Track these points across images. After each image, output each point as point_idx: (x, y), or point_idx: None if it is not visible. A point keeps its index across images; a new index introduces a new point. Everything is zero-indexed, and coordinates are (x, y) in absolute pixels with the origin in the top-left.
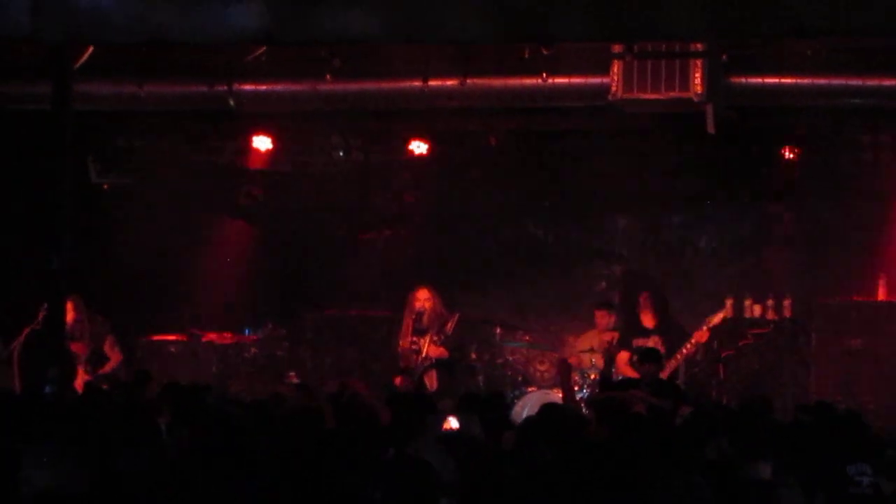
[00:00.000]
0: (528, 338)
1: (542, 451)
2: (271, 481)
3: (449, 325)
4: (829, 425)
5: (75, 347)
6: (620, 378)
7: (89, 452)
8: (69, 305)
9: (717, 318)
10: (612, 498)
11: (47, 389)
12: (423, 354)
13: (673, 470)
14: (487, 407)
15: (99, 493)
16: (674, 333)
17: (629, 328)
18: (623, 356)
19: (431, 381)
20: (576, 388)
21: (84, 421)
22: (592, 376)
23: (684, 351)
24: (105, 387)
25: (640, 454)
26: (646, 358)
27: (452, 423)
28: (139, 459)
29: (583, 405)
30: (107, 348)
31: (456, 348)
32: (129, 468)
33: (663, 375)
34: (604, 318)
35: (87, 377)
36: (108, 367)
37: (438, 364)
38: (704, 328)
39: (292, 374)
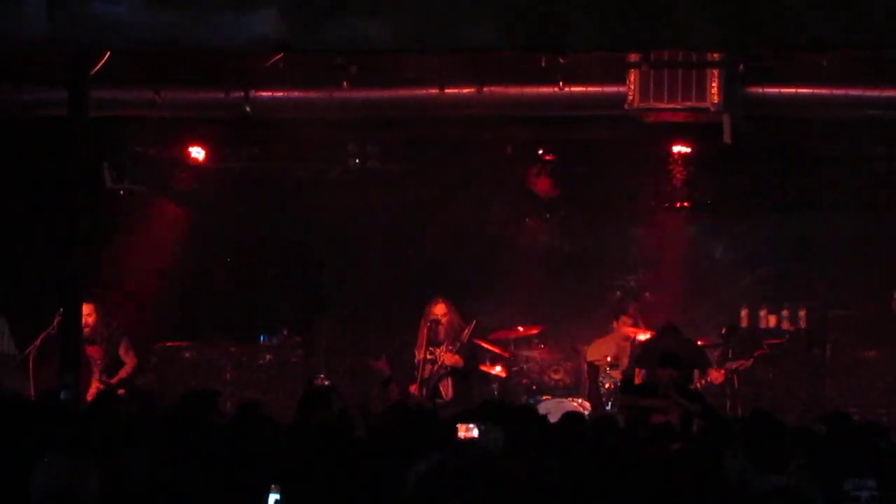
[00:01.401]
0: (542, 346)
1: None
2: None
3: (465, 333)
4: (838, 437)
5: (92, 351)
6: (642, 383)
7: (98, 458)
8: (87, 309)
9: (735, 364)
10: None
11: (62, 395)
12: (439, 363)
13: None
14: (516, 418)
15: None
16: (693, 365)
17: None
18: (640, 372)
19: (446, 390)
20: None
21: (94, 427)
22: (607, 385)
23: (697, 387)
24: (121, 392)
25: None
26: (666, 363)
27: (473, 431)
28: (151, 467)
29: (609, 405)
30: (122, 353)
31: (471, 357)
32: (141, 475)
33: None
34: (625, 325)
35: (101, 382)
36: (123, 372)
37: (453, 372)
38: (722, 371)
39: (321, 376)
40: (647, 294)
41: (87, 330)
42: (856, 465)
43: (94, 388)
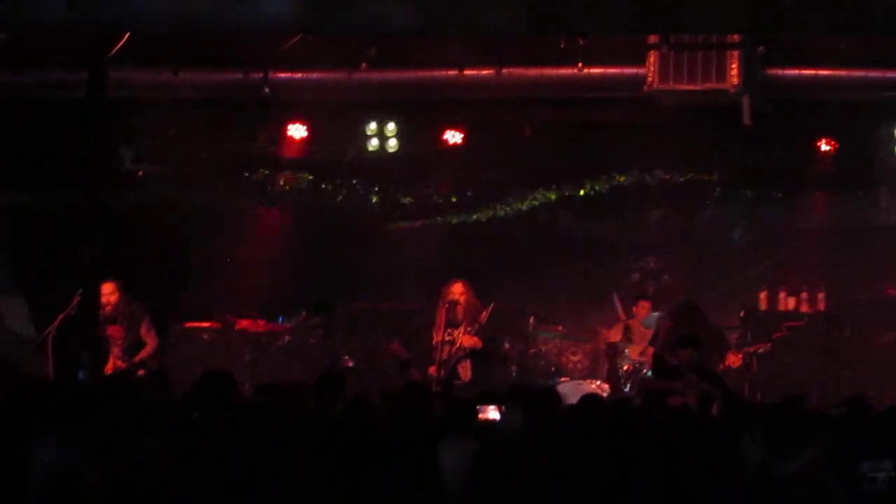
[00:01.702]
0: (560, 328)
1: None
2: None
3: (483, 315)
4: (856, 420)
5: (113, 331)
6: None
7: (109, 439)
8: (110, 288)
9: (753, 348)
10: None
11: (81, 375)
12: (457, 345)
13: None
14: (537, 401)
15: (120, 480)
16: (712, 346)
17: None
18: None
19: (465, 372)
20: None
21: (104, 408)
22: (625, 367)
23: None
24: (141, 373)
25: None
26: (685, 343)
27: (491, 413)
28: (167, 450)
29: (628, 387)
30: (143, 333)
31: (489, 338)
32: (158, 458)
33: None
34: (644, 310)
35: (121, 362)
36: (144, 353)
37: (472, 354)
38: (739, 355)
39: (346, 357)
40: (665, 277)
41: (108, 308)
42: (873, 447)
43: (114, 363)
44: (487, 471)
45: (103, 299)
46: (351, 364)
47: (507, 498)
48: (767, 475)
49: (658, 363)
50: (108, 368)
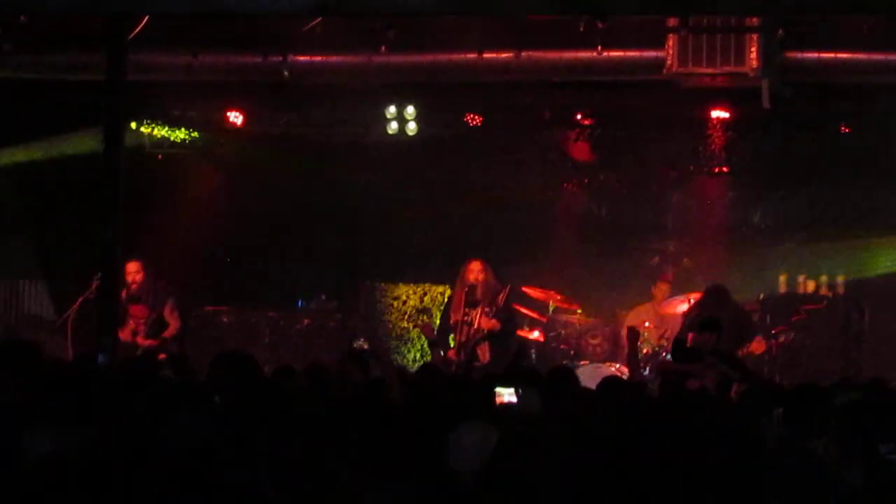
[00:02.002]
0: (579, 311)
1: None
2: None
3: (500, 297)
4: (874, 402)
5: (136, 311)
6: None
7: (129, 421)
8: (135, 267)
9: (776, 330)
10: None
11: (100, 359)
12: (476, 327)
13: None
14: (552, 381)
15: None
16: (736, 330)
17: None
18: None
19: (483, 354)
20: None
21: (124, 390)
22: (645, 351)
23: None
24: (162, 357)
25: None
26: (705, 327)
27: (507, 396)
28: (186, 431)
29: (647, 371)
30: (167, 313)
31: (507, 320)
32: (180, 441)
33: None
34: (662, 292)
35: (144, 340)
36: (167, 333)
37: (490, 336)
38: (762, 339)
39: (361, 340)
40: (685, 260)
41: (133, 287)
42: (892, 429)
43: (135, 343)
44: (508, 455)
45: (129, 278)
46: (366, 346)
47: (527, 483)
48: (787, 456)
49: (677, 348)
50: (127, 339)
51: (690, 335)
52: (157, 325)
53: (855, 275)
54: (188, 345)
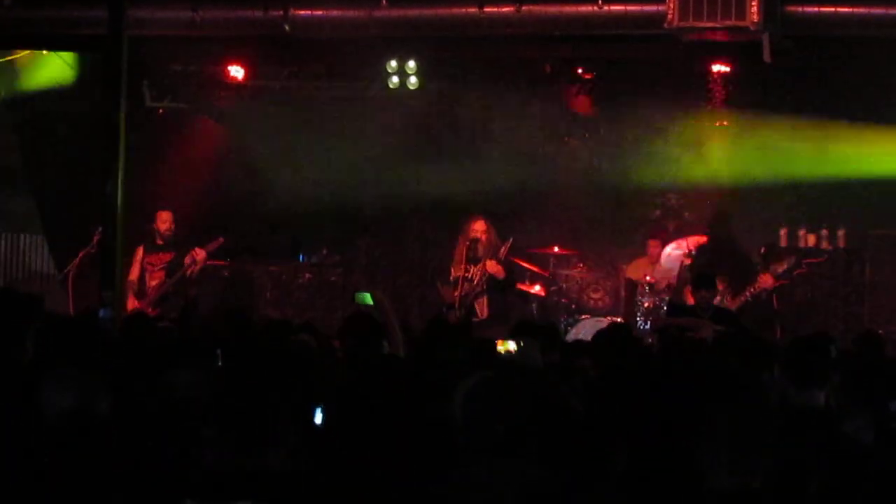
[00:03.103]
0: (581, 265)
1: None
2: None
3: (502, 251)
4: (881, 359)
5: (162, 258)
6: (687, 305)
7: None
8: (166, 216)
9: (782, 267)
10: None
11: (102, 313)
12: (476, 281)
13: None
14: (544, 335)
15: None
16: (746, 274)
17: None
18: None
19: (482, 309)
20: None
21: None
22: (646, 304)
23: (747, 294)
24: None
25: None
26: (700, 283)
27: (510, 345)
28: (192, 385)
29: (648, 325)
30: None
31: (509, 271)
32: (183, 393)
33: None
34: (656, 248)
35: (164, 279)
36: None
37: (490, 290)
38: (769, 275)
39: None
40: (686, 214)
41: (168, 234)
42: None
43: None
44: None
45: (163, 227)
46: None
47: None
48: (790, 407)
49: (671, 307)
50: (154, 286)
51: (688, 289)
52: (175, 268)
53: (856, 228)
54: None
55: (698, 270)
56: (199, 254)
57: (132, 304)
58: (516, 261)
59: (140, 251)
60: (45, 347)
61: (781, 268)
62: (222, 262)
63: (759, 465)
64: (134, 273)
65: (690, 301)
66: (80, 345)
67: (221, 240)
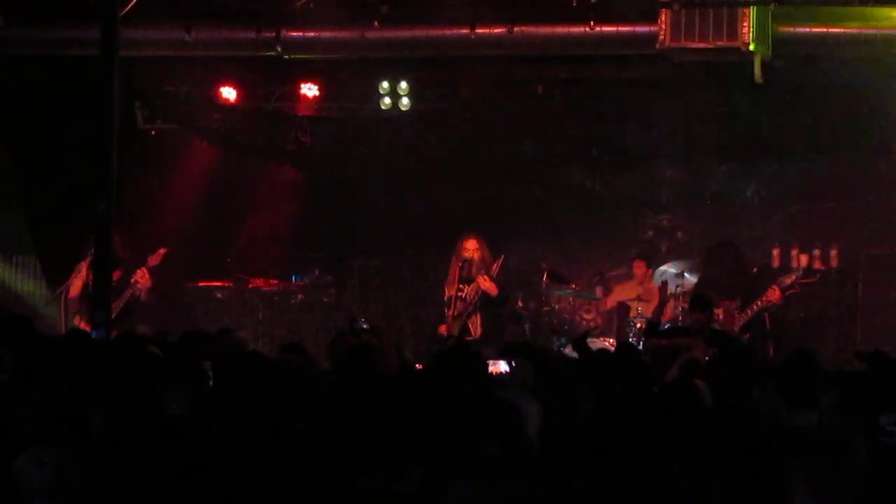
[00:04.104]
0: (574, 286)
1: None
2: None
3: (494, 267)
4: (875, 373)
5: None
6: (668, 325)
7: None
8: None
9: (789, 279)
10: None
11: (94, 334)
12: (469, 300)
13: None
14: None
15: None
16: (750, 288)
17: (703, 283)
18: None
19: (475, 328)
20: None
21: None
22: (638, 325)
23: (755, 307)
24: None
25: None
26: (695, 306)
27: (501, 366)
28: (184, 402)
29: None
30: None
31: (501, 288)
32: (175, 411)
33: (736, 328)
34: (641, 269)
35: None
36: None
37: (486, 303)
38: (776, 288)
39: (362, 319)
40: (679, 234)
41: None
42: (892, 400)
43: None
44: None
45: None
46: (366, 326)
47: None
48: (781, 427)
49: (649, 326)
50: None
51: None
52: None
53: (848, 247)
54: (180, 320)
55: (695, 291)
56: (142, 275)
57: (80, 324)
58: (508, 282)
59: (84, 267)
60: (32, 367)
61: (789, 280)
62: (215, 283)
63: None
64: (75, 289)
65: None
66: (67, 364)
67: (163, 251)
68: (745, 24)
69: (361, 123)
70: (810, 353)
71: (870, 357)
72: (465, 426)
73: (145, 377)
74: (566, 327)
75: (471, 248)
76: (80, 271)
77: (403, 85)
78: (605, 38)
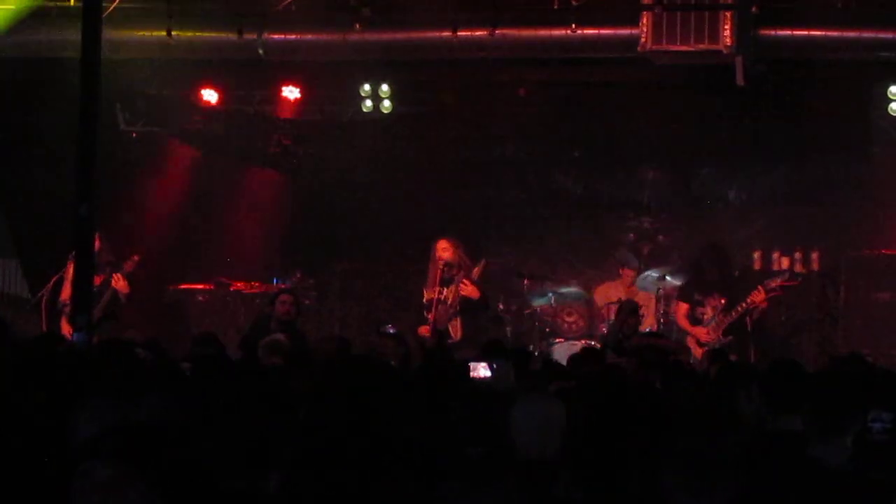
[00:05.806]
0: (549, 284)
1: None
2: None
3: (476, 271)
4: (859, 376)
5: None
6: (647, 331)
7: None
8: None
9: (774, 282)
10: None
11: (75, 337)
12: (449, 304)
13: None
14: (518, 358)
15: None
16: (736, 290)
17: (692, 282)
18: (682, 307)
19: (455, 331)
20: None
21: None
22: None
23: (739, 309)
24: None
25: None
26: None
27: (482, 370)
28: (167, 407)
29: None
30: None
31: (483, 292)
32: (157, 416)
33: (720, 329)
34: (627, 277)
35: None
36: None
37: (468, 307)
38: (761, 289)
39: (388, 325)
40: (660, 237)
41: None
42: (872, 397)
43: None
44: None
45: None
46: (392, 331)
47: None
48: (766, 431)
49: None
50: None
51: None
52: (104, 289)
53: (829, 251)
54: (161, 323)
55: (681, 291)
56: (117, 280)
57: (67, 329)
58: (489, 284)
59: (71, 268)
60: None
61: (774, 283)
62: (196, 286)
63: (719, 489)
64: (66, 292)
65: (680, 324)
66: (46, 369)
67: (137, 257)
68: (727, 27)
69: (343, 126)
70: (792, 359)
71: (845, 362)
72: (451, 429)
73: (132, 382)
74: (547, 330)
75: (442, 247)
76: (68, 273)
77: (385, 88)
78: (586, 41)
